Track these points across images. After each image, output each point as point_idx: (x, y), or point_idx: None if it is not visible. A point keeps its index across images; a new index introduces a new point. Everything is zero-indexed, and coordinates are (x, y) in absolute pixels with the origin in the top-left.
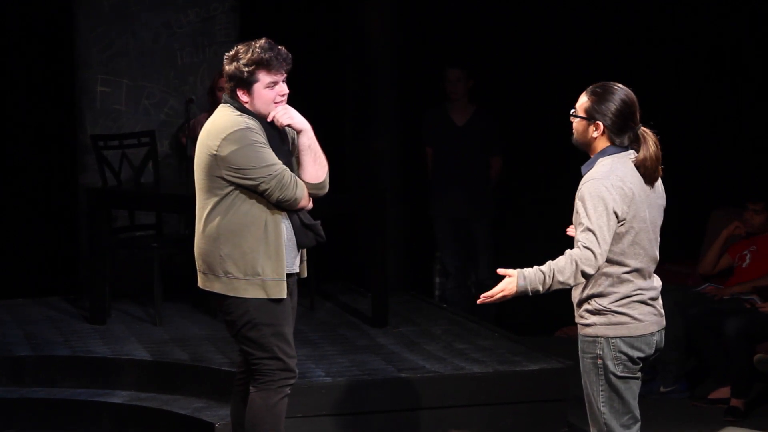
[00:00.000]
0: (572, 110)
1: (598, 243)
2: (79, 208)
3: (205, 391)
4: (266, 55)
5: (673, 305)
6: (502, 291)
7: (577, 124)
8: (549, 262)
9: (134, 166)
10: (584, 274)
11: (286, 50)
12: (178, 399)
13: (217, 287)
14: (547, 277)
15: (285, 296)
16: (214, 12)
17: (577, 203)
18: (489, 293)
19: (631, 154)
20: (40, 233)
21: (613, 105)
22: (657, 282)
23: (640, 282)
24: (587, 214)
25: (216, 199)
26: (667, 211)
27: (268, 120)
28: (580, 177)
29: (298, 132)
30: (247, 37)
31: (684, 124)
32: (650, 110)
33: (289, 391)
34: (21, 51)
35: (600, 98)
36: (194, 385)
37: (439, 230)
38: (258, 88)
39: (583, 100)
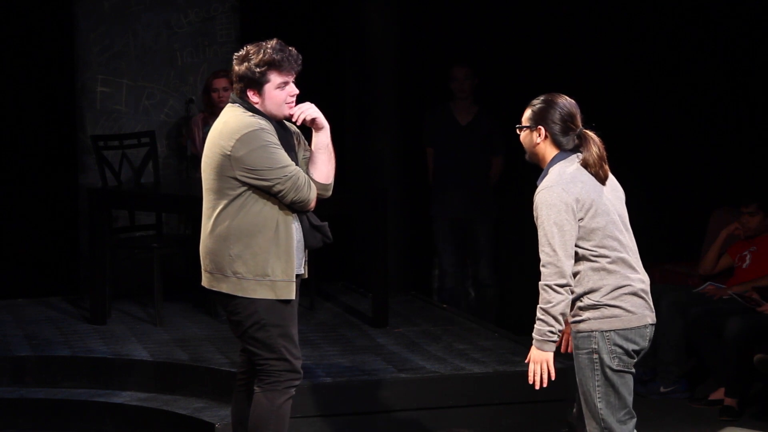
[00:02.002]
0: (517, 125)
1: (555, 251)
2: (79, 208)
3: (205, 391)
4: (278, 56)
5: (673, 305)
6: (533, 363)
7: (523, 136)
8: (538, 306)
9: (134, 167)
10: (560, 286)
11: (296, 51)
12: (179, 399)
13: (225, 287)
14: (544, 317)
15: (294, 297)
16: (214, 12)
17: (534, 214)
18: (530, 375)
19: (577, 157)
20: (40, 233)
21: (552, 110)
22: (646, 277)
23: (627, 272)
24: (542, 225)
25: (227, 199)
26: (668, 211)
27: (291, 114)
28: None
29: (319, 129)
30: (247, 37)
31: (684, 124)
32: (651, 110)
33: (294, 392)
34: (21, 51)
35: (540, 106)
36: (194, 385)
37: (439, 230)
38: (269, 88)
39: (527, 113)
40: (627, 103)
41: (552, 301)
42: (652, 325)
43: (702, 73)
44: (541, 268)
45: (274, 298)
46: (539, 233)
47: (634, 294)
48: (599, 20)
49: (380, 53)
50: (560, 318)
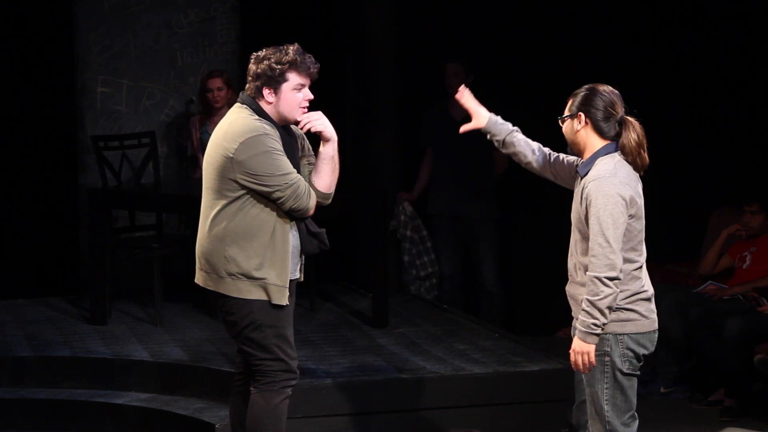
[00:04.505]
0: (559, 116)
1: (609, 243)
2: (79, 208)
3: (205, 391)
4: (299, 58)
5: (673, 305)
6: (574, 353)
7: (564, 126)
8: (584, 297)
9: (134, 167)
10: (610, 279)
11: (314, 59)
12: (179, 399)
13: (220, 287)
14: (590, 309)
15: (286, 303)
16: (214, 12)
17: (584, 203)
18: (573, 365)
19: (619, 153)
20: (40, 233)
21: (594, 97)
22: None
23: (645, 279)
24: (597, 215)
25: (226, 200)
26: (668, 211)
27: (299, 123)
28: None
29: (326, 141)
30: (247, 37)
31: (684, 124)
32: (650, 110)
33: (290, 392)
34: (21, 51)
35: (583, 94)
36: (194, 385)
37: (438, 229)
38: (286, 88)
39: (569, 103)
40: (627, 103)
41: (600, 293)
42: (657, 330)
43: (702, 73)
44: (591, 258)
45: (268, 299)
46: (591, 222)
47: (648, 300)
48: (600, 20)
49: (380, 53)
50: (606, 312)
